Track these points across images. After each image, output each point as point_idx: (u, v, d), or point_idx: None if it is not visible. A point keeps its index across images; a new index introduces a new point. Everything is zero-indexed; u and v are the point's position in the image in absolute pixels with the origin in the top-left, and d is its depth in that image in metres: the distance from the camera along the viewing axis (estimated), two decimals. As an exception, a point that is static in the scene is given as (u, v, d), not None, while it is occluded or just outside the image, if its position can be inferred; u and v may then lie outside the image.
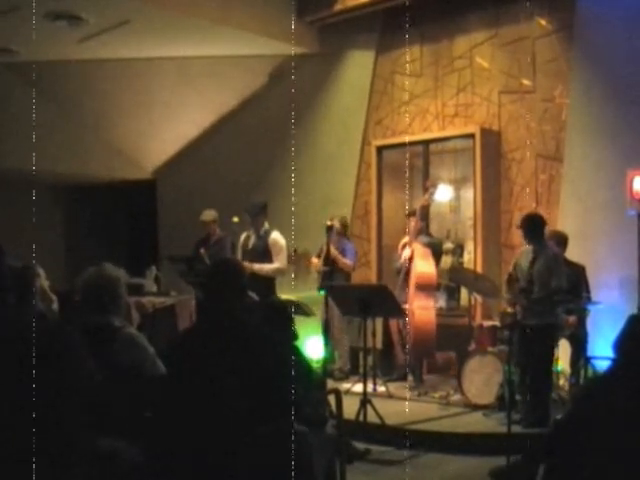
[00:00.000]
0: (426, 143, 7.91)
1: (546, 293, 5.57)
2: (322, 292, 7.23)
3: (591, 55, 6.91)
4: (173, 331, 6.96)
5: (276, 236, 7.10)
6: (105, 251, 10.39)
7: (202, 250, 7.28)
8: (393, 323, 7.19)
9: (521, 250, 5.97)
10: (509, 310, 5.84)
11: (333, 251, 7.34)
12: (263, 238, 7.10)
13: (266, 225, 7.14)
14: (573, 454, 2.53)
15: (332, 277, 7.22)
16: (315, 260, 7.62)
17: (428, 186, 7.18)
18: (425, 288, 6.86)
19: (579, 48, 6.98)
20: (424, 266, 6.89)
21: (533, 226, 5.69)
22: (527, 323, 5.53)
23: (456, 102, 7.81)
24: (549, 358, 5.62)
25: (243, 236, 7.25)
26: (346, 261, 7.46)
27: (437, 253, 7.17)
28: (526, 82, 7.29)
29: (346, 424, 4.63)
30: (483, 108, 7.60)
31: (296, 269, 8.49)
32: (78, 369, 1.70)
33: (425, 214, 7.19)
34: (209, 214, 7.72)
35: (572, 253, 6.29)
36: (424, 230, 7.24)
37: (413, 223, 7.06)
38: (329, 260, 7.31)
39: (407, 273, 6.94)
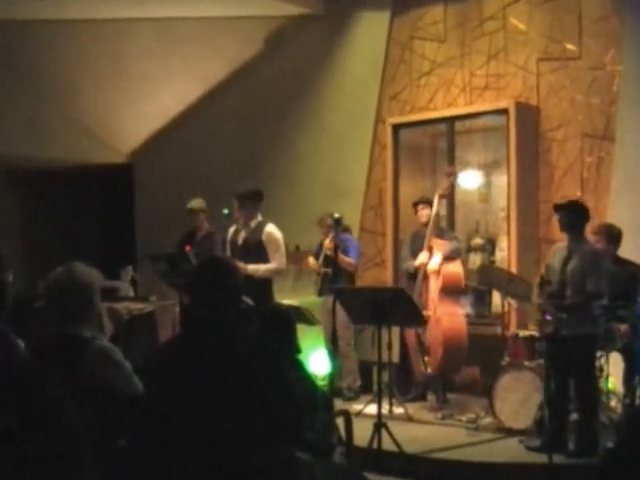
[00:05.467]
0: (451, 120, 7.91)
1: (581, 298, 5.54)
2: (322, 298, 7.27)
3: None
4: (153, 343, 6.96)
5: (271, 229, 7.06)
6: (71, 249, 10.37)
7: (188, 247, 7.25)
8: (410, 333, 7.18)
9: (554, 247, 5.94)
10: (548, 318, 5.81)
11: (326, 244, 7.29)
12: (255, 232, 7.06)
13: (259, 217, 7.10)
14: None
15: (335, 280, 7.20)
16: (312, 260, 7.59)
17: (448, 172, 7.19)
18: (452, 291, 6.90)
19: (634, 4, 6.94)
20: (449, 265, 6.91)
21: (576, 213, 5.66)
22: (561, 334, 5.49)
23: (486, 72, 7.78)
24: (591, 375, 5.59)
25: (231, 230, 7.22)
26: (348, 259, 7.43)
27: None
28: (570, 47, 7.25)
29: (357, 452, 4.62)
30: (518, 79, 7.58)
31: (297, 270, 8.47)
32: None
33: (444, 206, 7.18)
34: (198, 201, 7.71)
35: (626, 250, 6.26)
36: (444, 225, 7.23)
37: (421, 213, 7.08)
38: (329, 260, 7.30)
39: (425, 276, 6.96)
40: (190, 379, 2.82)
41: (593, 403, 5.58)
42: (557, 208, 5.79)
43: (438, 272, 6.90)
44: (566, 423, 5.55)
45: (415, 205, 7.26)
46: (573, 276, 5.58)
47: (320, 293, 7.43)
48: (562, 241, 5.85)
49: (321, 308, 7.19)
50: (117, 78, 9.43)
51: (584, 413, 5.51)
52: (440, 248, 6.97)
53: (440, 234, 7.10)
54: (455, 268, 6.94)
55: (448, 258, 6.92)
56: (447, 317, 6.81)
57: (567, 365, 5.50)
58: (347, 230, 7.75)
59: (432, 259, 6.95)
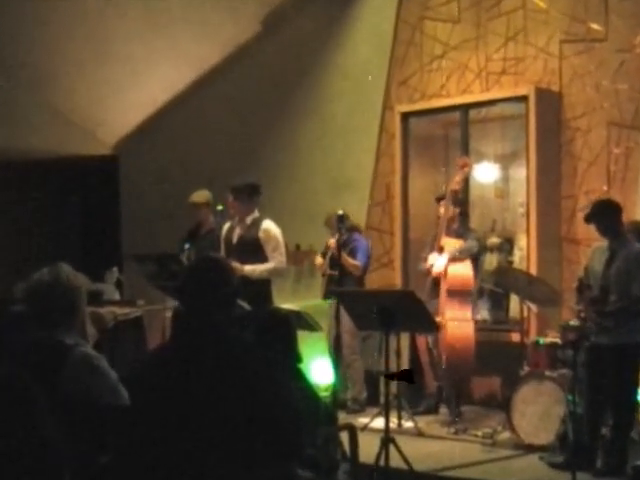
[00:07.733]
0: (465, 108, 7.92)
1: (627, 303, 5.52)
2: (329, 301, 7.26)
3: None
4: (140, 350, 6.96)
5: (269, 226, 7.05)
6: (51, 248, 10.36)
7: (187, 245, 7.19)
8: (421, 340, 7.20)
9: (594, 248, 5.91)
10: (573, 323, 5.81)
11: (331, 244, 7.30)
12: (252, 229, 7.06)
13: (255, 213, 7.11)
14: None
15: (340, 283, 7.20)
16: (320, 260, 7.60)
17: (461, 164, 7.21)
18: (458, 294, 6.91)
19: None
20: (456, 266, 6.93)
21: (609, 214, 5.63)
22: (600, 342, 5.49)
23: (504, 55, 7.79)
24: (632, 388, 5.58)
25: (225, 228, 7.22)
26: (353, 261, 7.42)
27: (477, 259, 7.22)
28: (595, 27, 7.25)
29: (363, 469, 4.62)
30: (539, 62, 7.58)
31: (298, 271, 8.48)
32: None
33: (457, 201, 7.18)
34: (202, 195, 7.66)
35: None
36: (459, 222, 7.24)
37: (444, 210, 7.08)
38: (337, 261, 7.29)
39: (436, 279, 6.98)
40: (180, 390, 2.82)
41: (630, 418, 5.58)
42: (587, 219, 5.74)
43: (445, 274, 6.91)
44: (594, 439, 5.54)
45: (438, 201, 7.27)
46: (618, 279, 5.53)
47: (325, 296, 7.44)
48: (601, 241, 5.80)
49: (326, 312, 7.20)
50: (100, 61, 9.40)
51: (619, 429, 5.50)
52: (449, 248, 6.97)
53: (461, 234, 7.09)
54: (461, 269, 6.94)
55: (455, 259, 6.92)
56: (451, 323, 6.82)
57: (603, 376, 5.50)
58: (356, 229, 7.74)
59: (438, 260, 6.96)
